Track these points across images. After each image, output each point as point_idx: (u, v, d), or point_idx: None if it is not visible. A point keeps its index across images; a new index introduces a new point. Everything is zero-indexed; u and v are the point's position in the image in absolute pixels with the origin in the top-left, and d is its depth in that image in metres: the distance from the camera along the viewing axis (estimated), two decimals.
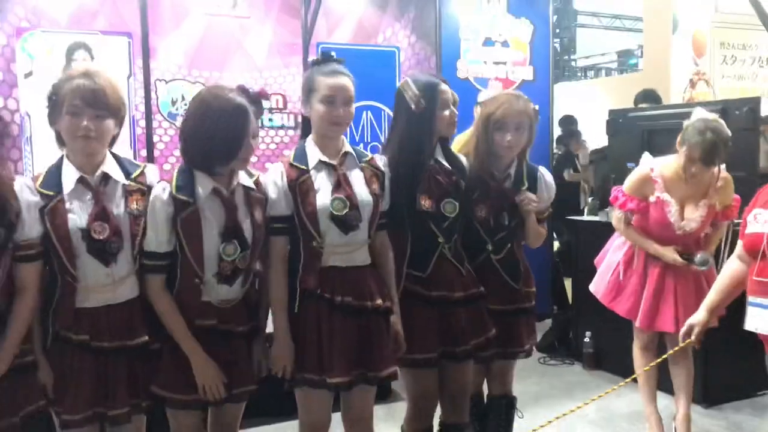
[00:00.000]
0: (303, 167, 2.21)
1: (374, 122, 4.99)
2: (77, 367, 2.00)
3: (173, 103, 4.40)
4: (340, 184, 2.20)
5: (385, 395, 3.81)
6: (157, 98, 4.36)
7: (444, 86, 2.57)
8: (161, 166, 4.37)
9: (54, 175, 2.02)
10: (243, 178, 2.16)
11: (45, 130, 4.01)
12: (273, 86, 4.67)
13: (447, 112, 2.55)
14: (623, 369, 4.16)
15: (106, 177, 2.04)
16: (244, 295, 2.18)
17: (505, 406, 2.85)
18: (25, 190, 1.97)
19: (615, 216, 3.33)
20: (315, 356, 2.18)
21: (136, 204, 2.06)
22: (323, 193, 2.20)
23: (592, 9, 16.00)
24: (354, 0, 4.87)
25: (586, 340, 4.57)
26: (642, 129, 4.31)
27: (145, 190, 2.08)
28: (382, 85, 4.99)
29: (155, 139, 4.36)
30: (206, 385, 2.07)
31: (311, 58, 4.71)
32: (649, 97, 5.37)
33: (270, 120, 4.66)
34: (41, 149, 4.06)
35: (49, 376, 2.02)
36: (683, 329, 2.49)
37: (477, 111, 2.99)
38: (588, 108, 10.47)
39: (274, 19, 4.66)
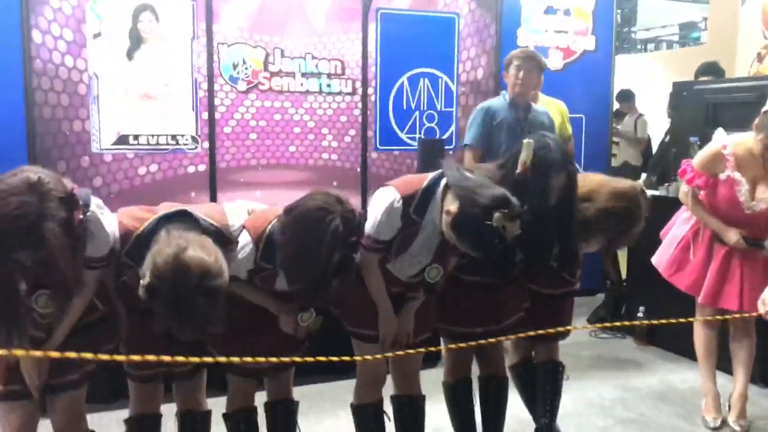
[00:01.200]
0: (418, 219, 2.36)
1: (431, 90, 4.97)
2: (145, 325, 2.11)
3: (234, 66, 4.45)
4: (441, 252, 2.42)
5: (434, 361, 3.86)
6: (219, 61, 4.42)
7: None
8: (222, 128, 4.46)
9: None
10: None
11: (111, 90, 4.18)
12: (332, 51, 4.68)
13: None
14: (677, 345, 4.14)
15: None
16: None
17: (552, 369, 2.89)
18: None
19: (682, 190, 3.27)
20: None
21: None
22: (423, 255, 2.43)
23: None
24: None
25: (639, 315, 4.53)
26: (707, 102, 4.20)
27: None
28: (441, 52, 4.98)
29: (216, 102, 4.43)
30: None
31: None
32: (711, 69, 5.21)
33: (328, 86, 4.68)
34: (107, 108, 4.19)
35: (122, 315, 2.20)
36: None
37: None
38: (648, 82, 10.20)
39: None
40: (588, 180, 2.50)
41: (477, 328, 2.60)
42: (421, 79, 4.91)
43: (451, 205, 2.12)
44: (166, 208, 2.13)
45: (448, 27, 4.96)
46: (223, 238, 2.04)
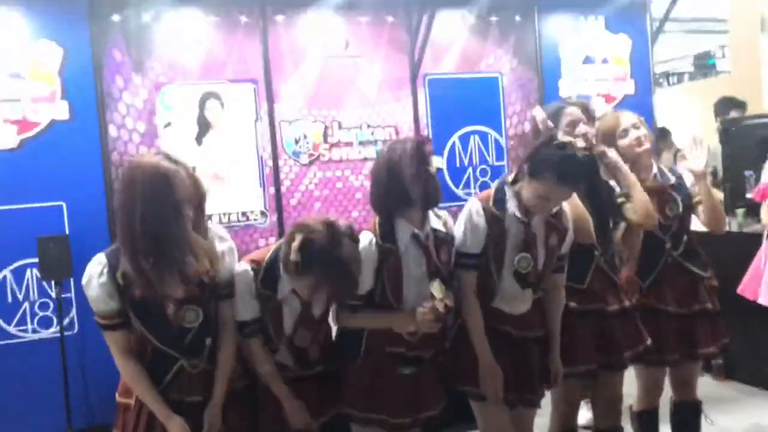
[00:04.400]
0: (500, 214, 2.40)
1: (482, 146, 5.14)
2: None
3: (296, 141, 4.66)
4: (528, 242, 2.40)
5: None
6: (282, 138, 4.63)
7: (569, 108, 2.74)
8: (288, 201, 4.64)
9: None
10: (433, 221, 2.37)
11: None
12: (386, 119, 4.88)
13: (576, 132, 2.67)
14: (758, 379, 4.12)
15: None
16: None
17: (691, 412, 2.90)
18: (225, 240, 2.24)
19: (763, 211, 3.38)
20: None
21: None
22: (512, 247, 2.40)
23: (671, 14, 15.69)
24: (457, 31, 5.05)
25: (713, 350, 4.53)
26: (760, 136, 4.32)
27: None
28: (488, 110, 5.17)
29: (282, 176, 4.62)
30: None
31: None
32: (734, 104, 5.35)
33: None
34: None
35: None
36: None
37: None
38: (678, 114, 10.30)
39: (383, 55, 4.88)
40: None
41: (593, 365, 2.60)
42: (472, 137, 5.09)
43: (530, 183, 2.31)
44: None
45: (493, 86, 5.16)
46: None
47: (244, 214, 4.55)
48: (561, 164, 2.23)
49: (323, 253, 2.00)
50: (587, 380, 2.74)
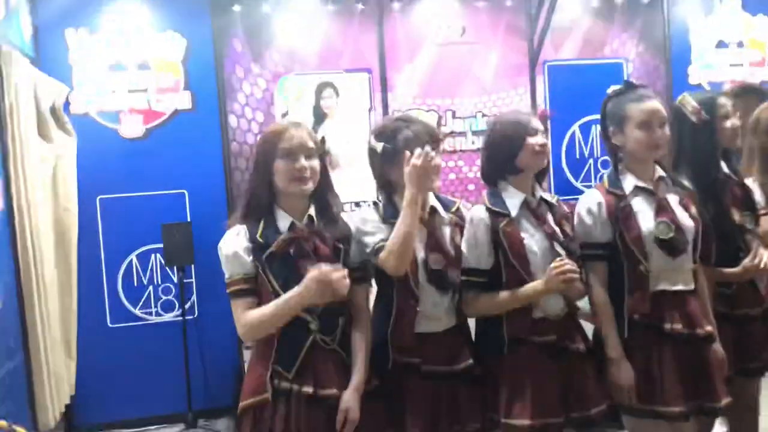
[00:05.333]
0: (621, 193, 2.24)
1: None
2: (413, 392, 2.09)
3: None
4: (662, 208, 2.21)
5: None
6: None
7: (723, 99, 2.55)
8: None
9: (390, 208, 2.15)
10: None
11: None
12: (501, 108, 4.73)
13: (728, 124, 2.51)
14: None
15: (433, 211, 2.18)
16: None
17: None
18: (354, 219, 2.16)
19: None
20: (647, 385, 2.16)
21: (458, 236, 2.19)
22: (646, 218, 2.20)
23: None
24: (579, 15, 4.83)
25: None
26: None
27: (462, 225, 2.21)
28: None
29: None
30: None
31: (538, 76, 4.76)
32: None
33: None
34: None
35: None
36: None
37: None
38: None
39: (501, 42, 4.74)
40: None
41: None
42: (593, 127, 4.86)
43: None
44: None
45: (617, 73, 4.89)
46: None
47: (357, 204, 4.53)
48: (628, 89, 2.28)
49: (393, 121, 2.18)
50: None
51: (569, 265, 2.05)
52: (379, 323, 2.13)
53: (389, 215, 2.13)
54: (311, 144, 2.01)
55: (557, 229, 2.20)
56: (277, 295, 1.95)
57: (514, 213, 2.17)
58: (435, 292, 2.12)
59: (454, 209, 2.24)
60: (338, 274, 1.89)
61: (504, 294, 2.14)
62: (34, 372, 3.14)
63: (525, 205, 2.20)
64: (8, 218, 2.94)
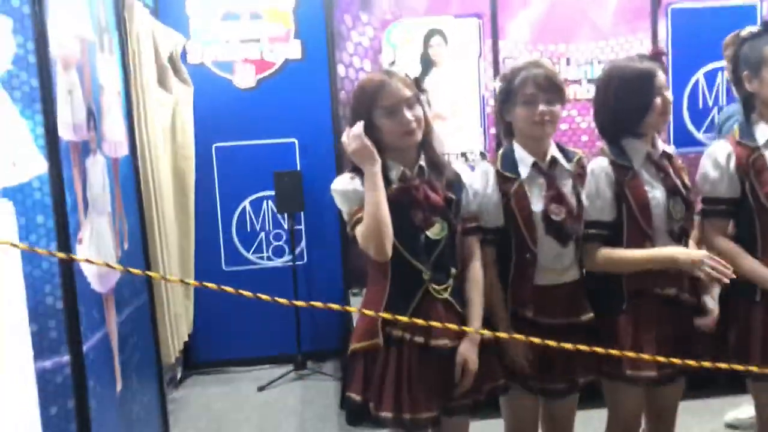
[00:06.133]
0: (753, 144, 2.10)
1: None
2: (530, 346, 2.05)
3: None
4: None
5: None
6: None
7: None
8: None
9: (510, 159, 2.12)
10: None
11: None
12: (620, 54, 4.47)
13: None
14: None
15: (554, 161, 2.12)
16: None
17: None
18: (466, 171, 2.13)
19: None
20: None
21: (580, 187, 2.12)
22: None
23: None
24: None
25: None
26: None
27: (584, 174, 2.13)
28: None
29: None
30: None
31: (660, 22, 4.48)
32: None
33: None
34: None
35: (520, 353, 2.08)
36: None
37: None
38: None
39: None
40: None
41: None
42: (719, 74, 4.53)
43: None
44: None
45: (749, 16, 4.52)
46: None
47: (463, 154, 4.46)
48: (765, 24, 2.12)
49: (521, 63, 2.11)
50: None
51: (723, 268, 1.95)
52: (500, 276, 2.11)
53: (506, 167, 2.10)
54: (410, 92, 1.97)
55: (678, 182, 2.11)
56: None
57: (637, 166, 2.08)
58: (555, 244, 2.07)
59: (576, 160, 2.16)
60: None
61: (640, 253, 2.07)
62: (156, 310, 3.33)
63: (647, 157, 2.10)
64: (132, 163, 3.09)
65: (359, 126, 1.91)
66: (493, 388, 2.06)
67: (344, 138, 1.94)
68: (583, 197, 2.11)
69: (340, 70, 4.40)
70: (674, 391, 2.22)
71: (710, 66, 4.53)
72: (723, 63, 4.36)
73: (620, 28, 4.50)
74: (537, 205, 2.07)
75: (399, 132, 1.95)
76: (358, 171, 1.98)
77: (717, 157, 2.13)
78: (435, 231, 1.97)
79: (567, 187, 2.11)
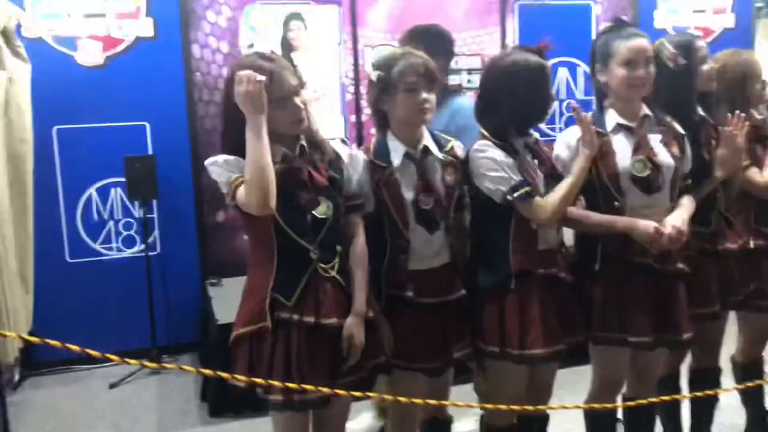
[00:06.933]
0: (602, 131, 2.24)
1: (569, 79, 4.93)
2: (409, 324, 2.11)
3: None
4: (640, 145, 2.24)
5: None
6: (365, 64, 4.49)
7: (700, 42, 2.54)
8: (369, 130, 4.53)
9: (383, 149, 2.14)
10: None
11: None
12: (471, 47, 4.69)
13: (705, 68, 2.53)
14: None
15: (426, 150, 2.16)
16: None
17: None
18: (344, 149, 2.12)
19: None
20: (617, 315, 2.24)
21: (449, 176, 2.17)
22: (623, 155, 2.23)
23: None
24: None
25: None
26: None
27: (456, 163, 2.20)
28: (577, 40, 4.90)
29: (363, 104, 4.50)
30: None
31: (509, 18, 4.72)
32: None
33: (469, 81, 4.69)
34: None
35: (389, 333, 2.12)
36: None
37: None
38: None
39: None
40: None
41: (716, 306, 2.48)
42: (560, 69, 4.87)
43: None
44: None
45: (585, 15, 4.89)
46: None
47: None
48: (616, 26, 2.27)
49: (393, 52, 2.15)
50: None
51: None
52: (373, 261, 2.11)
53: (379, 156, 2.12)
54: (296, 80, 1.95)
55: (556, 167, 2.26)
56: (276, 224, 1.93)
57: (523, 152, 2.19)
58: (424, 232, 2.13)
59: (448, 148, 2.21)
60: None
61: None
62: None
63: (525, 146, 2.21)
64: None
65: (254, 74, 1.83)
66: (376, 365, 2.09)
67: (240, 74, 1.82)
68: (491, 171, 2.13)
69: (195, 50, 4.23)
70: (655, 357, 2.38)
71: (552, 61, 4.81)
72: (564, 59, 4.68)
73: (472, 23, 4.69)
74: (408, 194, 2.11)
75: (289, 121, 1.93)
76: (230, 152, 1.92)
77: (569, 140, 2.27)
78: (321, 210, 1.98)
79: (437, 175, 2.15)
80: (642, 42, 2.23)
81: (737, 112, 2.44)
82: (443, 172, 2.17)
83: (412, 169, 2.13)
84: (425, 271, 2.15)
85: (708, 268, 2.48)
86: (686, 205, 2.31)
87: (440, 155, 2.18)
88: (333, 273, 2.00)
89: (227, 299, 3.39)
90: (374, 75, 2.13)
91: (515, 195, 2.11)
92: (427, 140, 2.17)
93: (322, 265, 1.98)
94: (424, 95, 2.07)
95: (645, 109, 2.31)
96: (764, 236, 2.71)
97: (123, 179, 4.03)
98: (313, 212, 1.96)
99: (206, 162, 1.97)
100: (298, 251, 1.96)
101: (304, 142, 2.00)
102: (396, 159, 2.12)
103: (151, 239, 4.23)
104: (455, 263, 2.23)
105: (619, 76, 2.22)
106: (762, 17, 5.64)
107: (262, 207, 1.85)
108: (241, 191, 1.87)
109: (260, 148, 1.82)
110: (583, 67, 4.90)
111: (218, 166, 1.93)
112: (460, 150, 2.24)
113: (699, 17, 5.12)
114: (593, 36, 4.88)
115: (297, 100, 1.93)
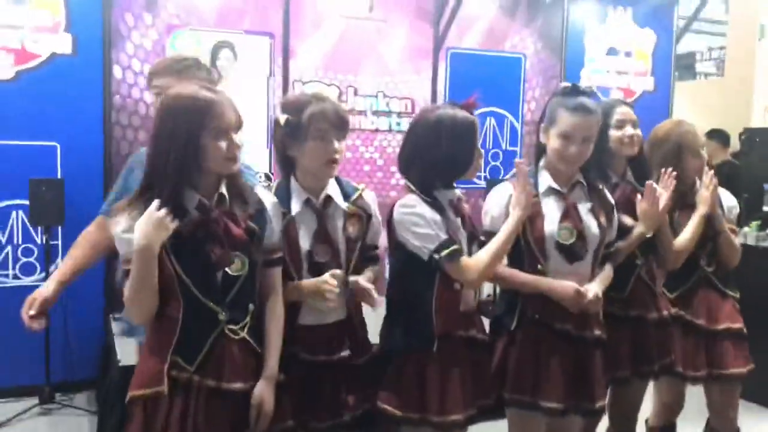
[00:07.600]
0: (533, 192, 2.17)
1: (497, 129, 4.98)
2: (295, 381, 1.96)
3: None
4: (569, 213, 2.21)
5: None
6: None
7: (620, 108, 2.57)
8: None
9: (283, 194, 2.01)
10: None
11: None
12: (402, 90, 4.68)
13: (619, 132, 2.52)
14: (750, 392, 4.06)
15: (328, 199, 2.04)
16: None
17: None
18: (269, 196, 1.97)
19: None
20: (531, 379, 2.19)
21: (353, 228, 2.05)
22: (551, 220, 2.21)
23: None
24: (485, 5, 4.85)
25: None
26: None
27: (362, 215, 2.08)
28: (507, 91, 5.00)
29: None
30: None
31: (442, 64, 4.74)
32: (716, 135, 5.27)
33: (398, 124, 4.67)
34: None
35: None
36: None
37: None
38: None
39: (408, 23, 4.67)
40: None
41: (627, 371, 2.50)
42: (488, 118, 4.93)
43: None
44: None
45: (515, 67, 4.98)
46: None
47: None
48: (570, 92, 2.21)
49: (303, 95, 2.04)
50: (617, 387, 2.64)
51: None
52: None
53: (281, 197, 1.98)
54: (236, 115, 1.80)
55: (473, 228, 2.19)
56: (181, 281, 1.75)
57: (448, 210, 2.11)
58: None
59: (354, 197, 2.08)
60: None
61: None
62: None
63: (450, 204, 2.12)
64: None
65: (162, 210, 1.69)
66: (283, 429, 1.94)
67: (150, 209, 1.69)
68: (418, 228, 2.03)
69: (117, 71, 4.02)
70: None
71: (481, 110, 4.87)
72: (492, 109, 4.74)
73: (405, 66, 4.69)
74: (305, 244, 1.99)
75: (224, 156, 1.76)
76: (142, 196, 1.75)
77: (500, 198, 2.22)
78: (235, 268, 1.81)
79: (338, 226, 2.04)
80: (584, 120, 2.17)
81: (669, 169, 2.46)
82: (347, 223, 2.05)
83: (311, 218, 2.01)
84: (316, 326, 2.02)
85: (619, 334, 2.46)
86: (607, 272, 2.32)
87: (344, 205, 2.05)
88: (243, 334, 1.83)
89: (131, 337, 3.17)
90: (282, 118, 1.99)
91: (442, 254, 2.01)
92: (332, 189, 2.05)
93: (231, 327, 1.81)
94: (335, 145, 1.96)
95: (578, 176, 2.28)
96: (673, 302, 2.74)
97: (26, 202, 3.75)
98: (226, 269, 1.80)
99: (112, 223, 1.78)
100: (204, 313, 1.78)
101: (224, 190, 1.82)
102: (296, 206, 1.99)
103: (52, 267, 3.94)
104: (350, 320, 2.08)
105: (554, 146, 2.20)
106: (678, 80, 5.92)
107: (140, 323, 1.77)
108: (126, 291, 1.72)
109: (147, 278, 1.70)
110: (510, 119, 4.98)
111: (118, 238, 1.75)
112: (369, 199, 2.13)
113: (622, 78, 5.30)
114: (521, 89, 4.99)
115: (235, 137, 1.78)
